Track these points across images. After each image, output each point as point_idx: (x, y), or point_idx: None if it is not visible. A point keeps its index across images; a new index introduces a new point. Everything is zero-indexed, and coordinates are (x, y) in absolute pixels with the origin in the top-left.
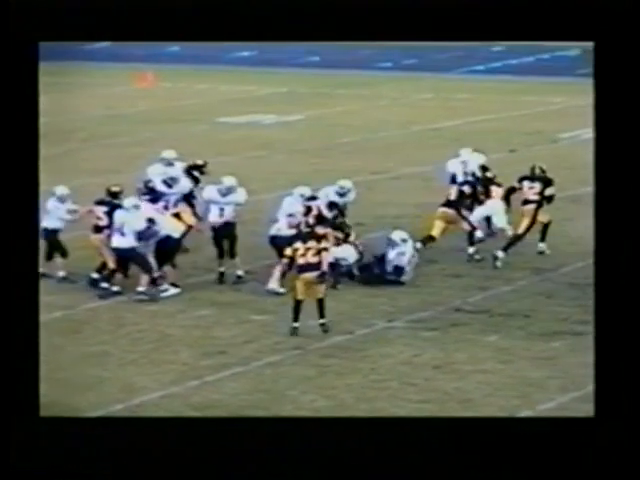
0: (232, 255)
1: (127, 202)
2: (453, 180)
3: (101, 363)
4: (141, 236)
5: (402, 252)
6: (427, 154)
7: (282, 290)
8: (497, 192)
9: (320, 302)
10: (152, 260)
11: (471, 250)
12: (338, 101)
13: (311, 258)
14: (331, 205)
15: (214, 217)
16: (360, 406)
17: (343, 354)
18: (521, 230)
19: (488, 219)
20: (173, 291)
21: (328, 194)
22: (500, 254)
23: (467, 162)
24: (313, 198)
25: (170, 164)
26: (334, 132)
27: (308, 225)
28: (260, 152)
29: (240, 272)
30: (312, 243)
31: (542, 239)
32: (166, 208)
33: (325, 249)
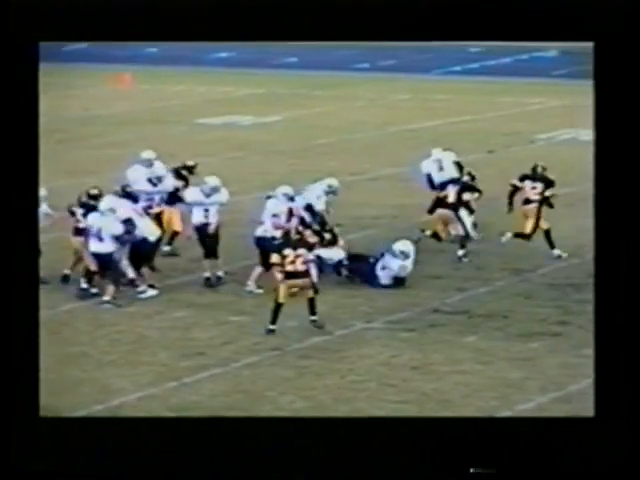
0: (215, 256)
1: (103, 205)
2: (430, 180)
3: (79, 364)
4: (120, 239)
5: (405, 266)
6: (404, 155)
7: (260, 291)
8: (468, 197)
9: (311, 301)
10: (125, 264)
11: (460, 252)
12: (315, 102)
13: (300, 266)
14: (309, 208)
15: (199, 218)
16: (339, 407)
17: (321, 355)
18: (528, 230)
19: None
20: (151, 293)
21: (317, 193)
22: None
23: (441, 160)
24: (292, 199)
25: (151, 164)
26: (311, 133)
27: (298, 232)
28: (238, 153)
29: (220, 273)
30: (302, 251)
31: (552, 246)
32: (150, 208)
33: (314, 260)
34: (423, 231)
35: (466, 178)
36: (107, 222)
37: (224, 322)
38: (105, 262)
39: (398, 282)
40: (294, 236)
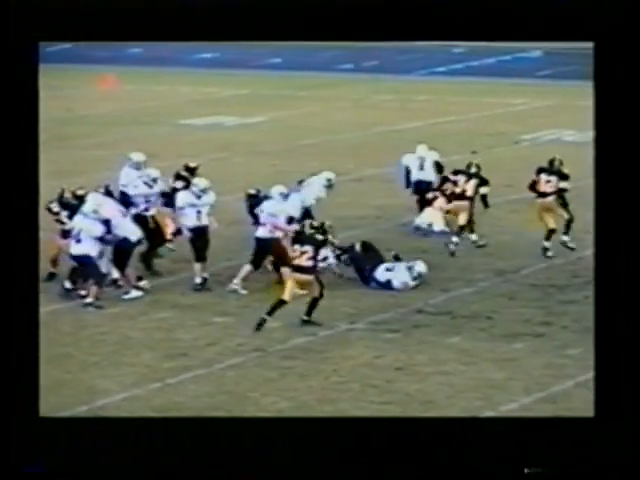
0: (204, 259)
1: (87, 207)
2: (407, 175)
3: (63, 365)
4: (102, 240)
5: (410, 285)
6: (388, 156)
7: (244, 292)
8: (439, 202)
9: (314, 301)
10: (108, 265)
11: (455, 240)
12: (300, 103)
13: (305, 262)
14: (291, 220)
15: (192, 220)
16: (322, 408)
17: (304, 356)
18: (552, 225)
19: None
20: (135, 294)
21: (317, 187)
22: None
23: (424, 159)
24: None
25: (140, 167)
26: (296, 134)
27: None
28: (222, 154)
29: (206, 274)
30: (308, 247)
31: (566, 232)
32: (147, 210)
33: (324, 259)
34: (397, 258)
35: (474, 170)
36: (88, 224)
37: (208, 323)
38: (85, 264)
39: (388, 287)
40: (308, 231)
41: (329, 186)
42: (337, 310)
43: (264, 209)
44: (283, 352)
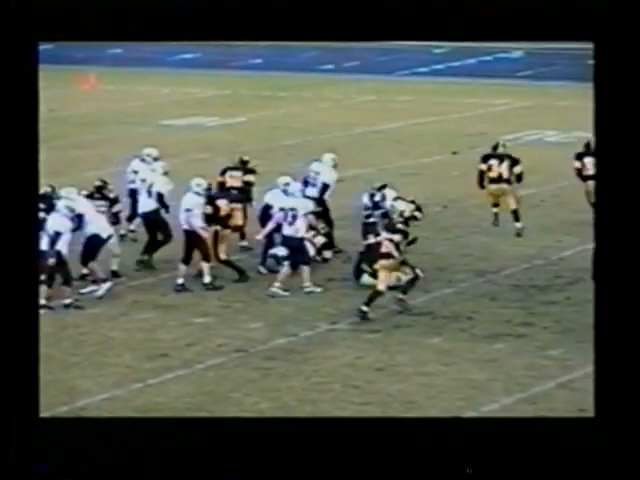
0: (188, 262)
1: (60, 203)
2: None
3: (44, 366)
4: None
5: None
6: (369, 156)
7: (285, 293)
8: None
9: (412, 280)
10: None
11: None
12: (280, 103)
13: (385, 248)
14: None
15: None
16: (303, 408)
17: (286, 356)
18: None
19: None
20: (105, 286)
21: (327, 168)
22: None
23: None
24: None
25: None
26: (276, 134)
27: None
28: (203, 154)
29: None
30: (386, 234)
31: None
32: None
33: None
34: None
35: (501, 150)
36: (60, 221)
37: (188, 324)
38: (58, 261)
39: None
40: (382, 221)
41: (335, 165)
42: (318, 311)
43: (273, 203)
44: (264, 353)
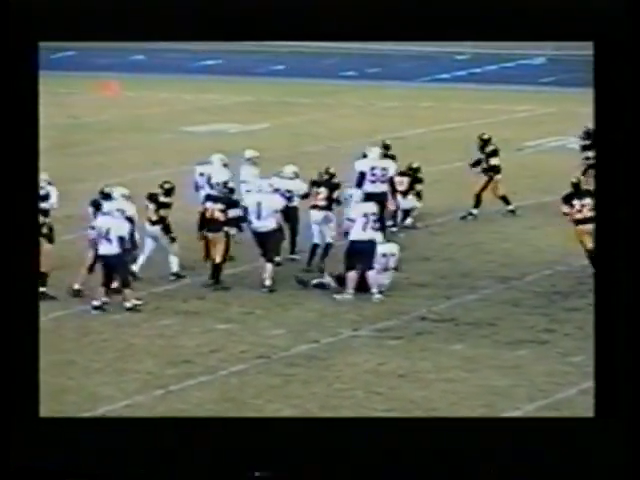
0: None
1: (111, 206)
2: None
3: (66, 372)
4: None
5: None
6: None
7: (379, 296)
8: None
9: None
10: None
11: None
12: (303, 110)
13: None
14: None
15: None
16: (325, 415)
17: (308, 363)
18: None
19: None
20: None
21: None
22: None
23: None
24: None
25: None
26: (299, 141)
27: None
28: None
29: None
30: (587, 200)
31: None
32: None
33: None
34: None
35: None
36: (115, 222)
37: (211, 330)
38: (113, 264)
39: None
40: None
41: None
42: (340, 317)
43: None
44: (286, 359)
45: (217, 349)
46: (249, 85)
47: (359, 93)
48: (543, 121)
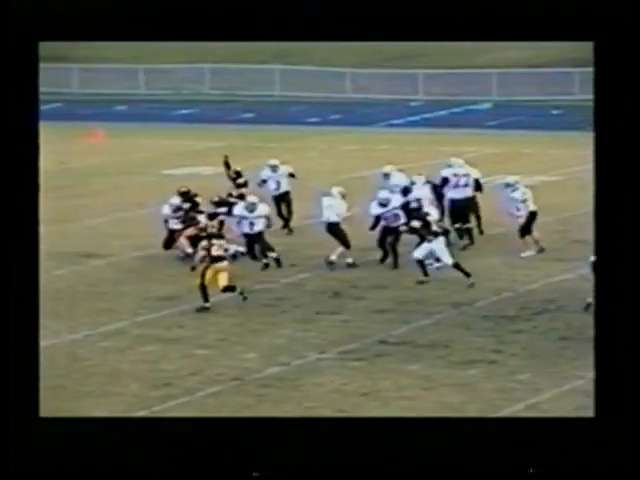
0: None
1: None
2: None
3: (57, 396)
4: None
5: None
6: (353, 201)
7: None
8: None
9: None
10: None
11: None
12: (271, 153)
13: None
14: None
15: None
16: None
17: (279, 384)
18: None
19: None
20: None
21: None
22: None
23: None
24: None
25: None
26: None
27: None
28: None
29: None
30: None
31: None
32: None
33: None
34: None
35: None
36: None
37: (190, 355)
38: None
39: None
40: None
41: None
42: (308, 341)
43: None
44: (259, 381)
45: (196, 372)
46: (222, 132)
47: (322, 137)
48: (489, 161)
